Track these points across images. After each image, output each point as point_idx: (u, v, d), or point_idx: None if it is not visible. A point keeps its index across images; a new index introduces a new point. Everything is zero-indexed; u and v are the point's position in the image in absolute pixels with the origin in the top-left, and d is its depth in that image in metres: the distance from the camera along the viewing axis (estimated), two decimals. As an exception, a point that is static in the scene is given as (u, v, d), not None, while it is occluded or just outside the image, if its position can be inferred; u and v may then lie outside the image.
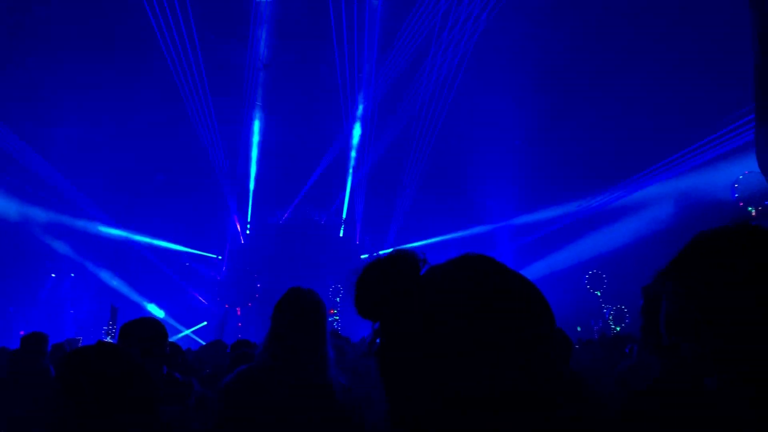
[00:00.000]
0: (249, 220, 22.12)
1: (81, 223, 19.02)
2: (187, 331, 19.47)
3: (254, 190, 21.35)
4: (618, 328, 14.59)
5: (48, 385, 4.77)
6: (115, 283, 19.82)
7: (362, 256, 22.82)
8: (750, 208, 13.70)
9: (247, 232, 22.38)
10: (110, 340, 13.36)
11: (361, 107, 19.11)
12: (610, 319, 15.74)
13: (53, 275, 20.56)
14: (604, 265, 17.75)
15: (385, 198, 21.61)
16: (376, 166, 20.75)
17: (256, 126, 19.60)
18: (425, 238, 21.34)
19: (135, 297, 19.74)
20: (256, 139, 19.94)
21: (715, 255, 0.98)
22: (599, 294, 17.98)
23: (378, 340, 0.86)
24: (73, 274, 20.71)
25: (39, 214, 17.77)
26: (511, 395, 0.75)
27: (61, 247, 19.22)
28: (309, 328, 2.45)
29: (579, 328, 17.50)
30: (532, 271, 19.37)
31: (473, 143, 18.75)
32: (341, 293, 20.28)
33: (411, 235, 21.60)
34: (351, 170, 21.01)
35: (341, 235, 22.71)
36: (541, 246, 19.02)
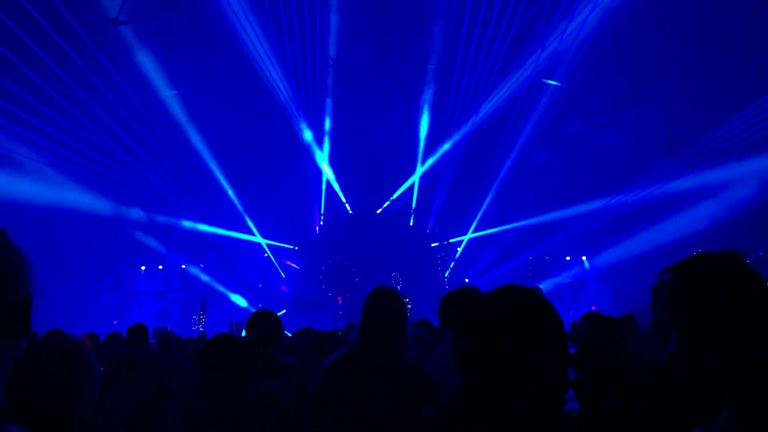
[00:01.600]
0: (322, 211, 22.81)
1: (168, 219, 20.20)
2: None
3: (327, 182, 21.99)
4: None
5: (153, 366, 5.39)
6: (205, 277, 20.95)
7: (433, 245, 23.08)
8: None
9: (321, 223, 23.08)
10: (201, 329, 14.34)
11: (429, 96, 19.27)
12: None
13: (143, 267, 21.94)
14: (688, 250, 17.18)
15: (457, 189, 21.76)
16: (447, 158, 20.89)
17: (328, 121, 20.16)
18: (498, 226, 21.35)
19: (220, 288, 20.82)
20: (328, 130, 20.50)
21: (690, 277, 1.42)
22: None
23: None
24: (161, 266, 22.03)
25: (131, 211, 18.98)
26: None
27: (150, 241, 20.47)
28: (392, 321, 2.88)
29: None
30: (610, 256, 19.00)
31: (547, 135, 18.54)
32: (400, 281, 20.77)
33: (483, 224, 21.65)
34: (420, 161, 21.25)
35: (411, 224, 23.04)
36: (620, 230, 18.60)
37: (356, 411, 2.72)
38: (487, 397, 1.27)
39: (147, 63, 15.36)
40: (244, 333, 3.45)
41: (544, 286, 18.70)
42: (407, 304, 15.83)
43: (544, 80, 16.87)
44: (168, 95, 16.73)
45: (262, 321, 3.33)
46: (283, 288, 22.46)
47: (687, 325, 1.37)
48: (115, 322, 18.80)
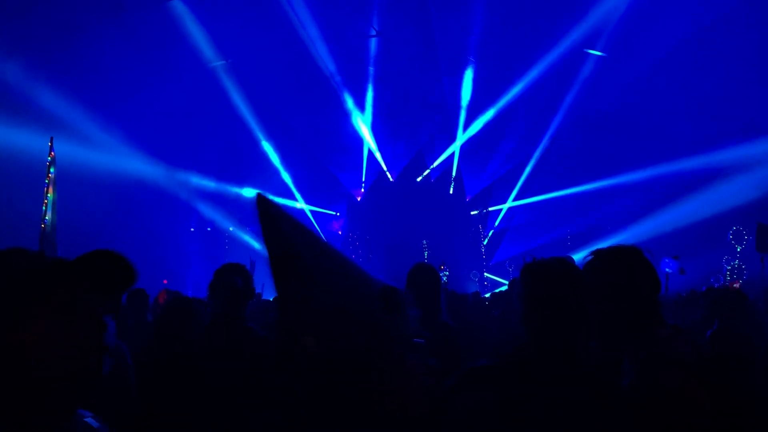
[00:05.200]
0: (363, 179, 23.30)
1: (218, 184, 21.04)
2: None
3: (369, 151, 22.42)
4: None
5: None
6: (252, 241, 21.76)
7: (472, 212, 23.39)
8: None
9: (362, 189, 23.62)
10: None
11: (471, 68, 19.32)
12: (727, 276, 15.29)
13: (192, 229, 22.88)
14: (731, 222, 16.98)
15: (498, 157, 21.91)
16: (489, 126, 21.02)
17: (370, 89, 20.46)
18: (538, 195, 21.45)
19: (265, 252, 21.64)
20: (370, 97, 20.80)
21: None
22: (739, 249, 17.26)
23: None
24: (209, 228, 22.93)
25: (182, 175, 19.81)
26: None
27: (199, 205, 21.36)
28: (428, 291, 3.71)
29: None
30: (650, 228, 18.85)
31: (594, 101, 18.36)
32: (426, 251, 21.29)
33: (523, 193, 21.80)
34: (461, 129, 21.41)
35: (451, 192, 23.34)
36: (662, 203, 18.44)
37: None
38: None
39: (197, 34, 15.97)
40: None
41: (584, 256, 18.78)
42: (444, 271, 16.32)
43: (586, 50, 16.77)
44: (218, 65, 17.35)
45: None
46: None
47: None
48: (165, 282, 19.74)
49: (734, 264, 14.74)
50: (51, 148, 9.13)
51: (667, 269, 13.63)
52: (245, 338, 3.25)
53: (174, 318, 3.50)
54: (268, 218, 1.73)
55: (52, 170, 9.17)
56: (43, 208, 8.52)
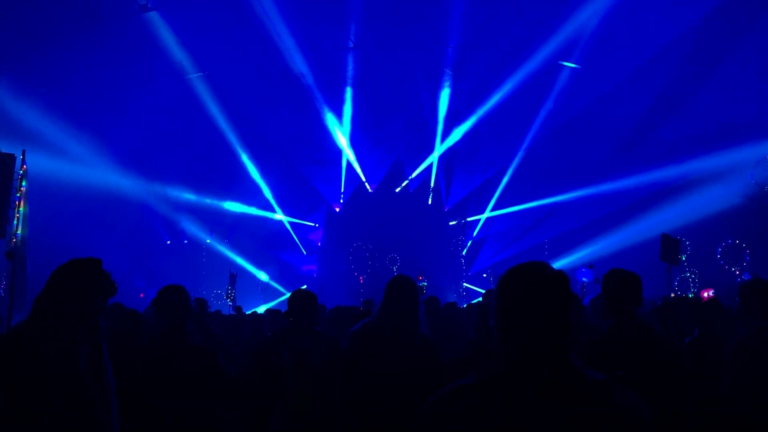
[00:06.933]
0: (342, 190, 23.27)
1: (194, 196, 20.86)
2: (288, 294, 20.98)
3: (347, 162, 22.41)
4: (685, 295, 14.52)
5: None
6: (230, 253, 21.59)
7: (450, 223, 23.47)
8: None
9: (341, 200, 23.58)
10: (230, 303, 14.87)
11: (448, 82, 19.49)
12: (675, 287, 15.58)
13: (168, 242, 22.62)
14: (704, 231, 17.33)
15: (476, 167, 22.07)
16: (467, 136, 21.18)
17: (349, 100, 20.48)
18: (516, 205, 21.60)
19: (244, 263, 21.50)
20: (348, 109, 20.82)
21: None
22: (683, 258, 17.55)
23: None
24: (186, 241, 22.69)
25: (156, 188, 19.60)
26: None
27: (176, 217, 21.15)
28: (406, 304, 3.76)
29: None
30: (625, 237, 19.10)
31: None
32: (398, 263, 21.43)
33: (502, 203, 21.94)
34: (439, 140, 21.53)
35: (429, 203, 23.41)
36: (635, 213, 18.73)
37: (375, 366, 3.62)
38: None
39: (173, 46, 15.86)
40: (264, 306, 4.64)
41: (558, 266, 18.93)
42: (423, 282, 16.40)
43: (561, 62, 17.02)
44: (194, 77, 17.25)
45: (300, 298, 4.30)
46: (305, 267, 23.21)
47: None
48: (142, 295, 19.42)
49: (687, 275, 14.99)
50: (23, 162, 8.95)
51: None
52: (189, 347, 3.86)
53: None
54: None
55: (24, 184, 8.99)
56: (15, 222, 8.34)
